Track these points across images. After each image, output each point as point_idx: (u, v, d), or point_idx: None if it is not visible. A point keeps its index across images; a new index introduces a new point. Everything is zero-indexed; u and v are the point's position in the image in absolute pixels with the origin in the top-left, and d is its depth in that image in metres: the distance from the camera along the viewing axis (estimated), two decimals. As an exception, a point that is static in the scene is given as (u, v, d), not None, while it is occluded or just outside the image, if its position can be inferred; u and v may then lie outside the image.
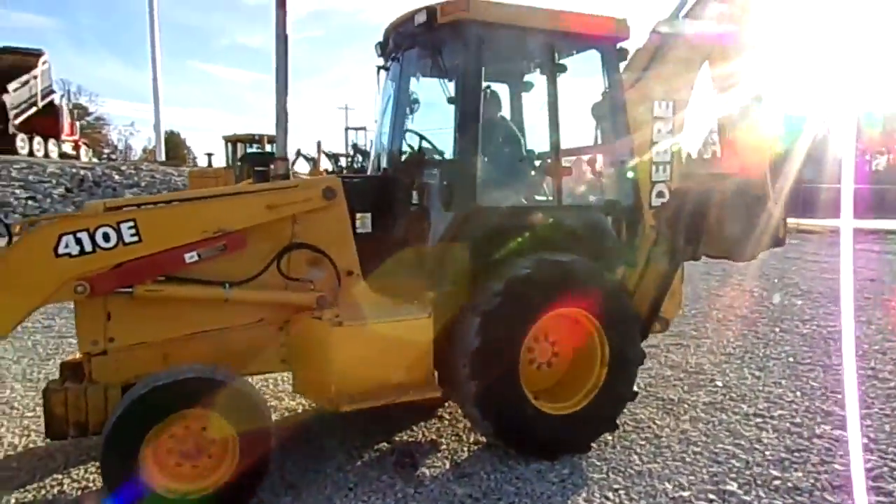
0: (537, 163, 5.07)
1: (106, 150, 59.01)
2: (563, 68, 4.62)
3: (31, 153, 27.82)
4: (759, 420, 5.27)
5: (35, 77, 29.38)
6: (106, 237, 3.61)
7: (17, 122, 28.04)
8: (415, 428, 4.93)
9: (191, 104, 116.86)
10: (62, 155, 30.49)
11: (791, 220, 10.79)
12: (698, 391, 6.00)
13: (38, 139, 28.82)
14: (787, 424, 5.17)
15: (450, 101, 4.54)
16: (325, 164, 33.81)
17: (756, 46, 5.90)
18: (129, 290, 3.70)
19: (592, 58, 4.78)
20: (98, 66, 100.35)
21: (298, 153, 27.48)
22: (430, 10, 4.36)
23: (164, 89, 38.78)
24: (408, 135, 4.94)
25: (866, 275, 13.54)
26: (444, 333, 4.24)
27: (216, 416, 3.50)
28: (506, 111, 5.38)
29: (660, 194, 5.60)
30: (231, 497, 3.57)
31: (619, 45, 4.85)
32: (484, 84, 4.49)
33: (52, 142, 30.09)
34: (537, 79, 5.14)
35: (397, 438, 4.74)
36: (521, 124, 5.44)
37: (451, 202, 4.30)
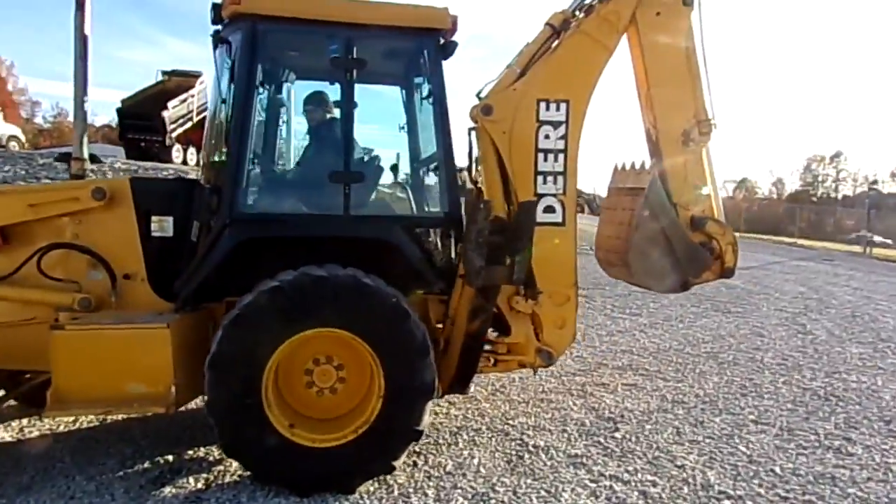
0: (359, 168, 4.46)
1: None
2: (363, 64, 4.06)
3: (184, 161, 30.84)
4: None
5: (192, 95, 32.72)
6: None
7: (174, 134, 31.37)
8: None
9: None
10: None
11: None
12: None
13: (192, 150, 31.90)
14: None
15: (223, 101, 4.13)
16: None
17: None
18: None
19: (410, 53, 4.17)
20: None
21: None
22: (215, 4, 4.02)
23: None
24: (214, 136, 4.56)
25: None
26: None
27: None
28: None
29: (549, 209, 4.82)
30: None
31: (442, 40, 4.18)
32: (292, 83, 4.09)
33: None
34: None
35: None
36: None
37: (217, 208, 3.92)
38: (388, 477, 4.08)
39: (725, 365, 7.19)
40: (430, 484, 4.08)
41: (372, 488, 3.97)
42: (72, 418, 4.86)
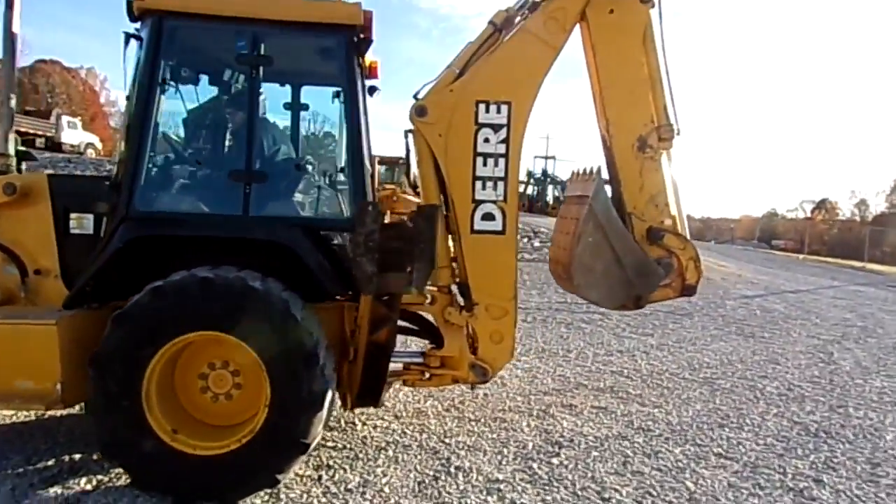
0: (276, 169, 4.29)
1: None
2: (269, 60, 3.89)
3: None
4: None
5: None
6: None
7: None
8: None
9: None
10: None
11: None
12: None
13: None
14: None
15: (127, 98, 4.03)
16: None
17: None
18: None
19: (320, 50, 3.98)
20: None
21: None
22: (128, 2, 3.94)
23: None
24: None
25: None
26: None
27: None
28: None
29: (488, 216, 4.53)
30: None
31: (356, 36, 3.97)
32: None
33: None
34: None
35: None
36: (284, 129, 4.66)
37: (113, 205, 3.83)
38: (282, 489, 3.86)
39: (718, 392, 6.58)
40: (324, 500, 3.83)
41: (259, 501, 3.76)
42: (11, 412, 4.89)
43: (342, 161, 4.09)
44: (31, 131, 29.74)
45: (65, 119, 30.23)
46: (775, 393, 6.67)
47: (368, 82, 5.08)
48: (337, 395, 4.35)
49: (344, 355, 4.19)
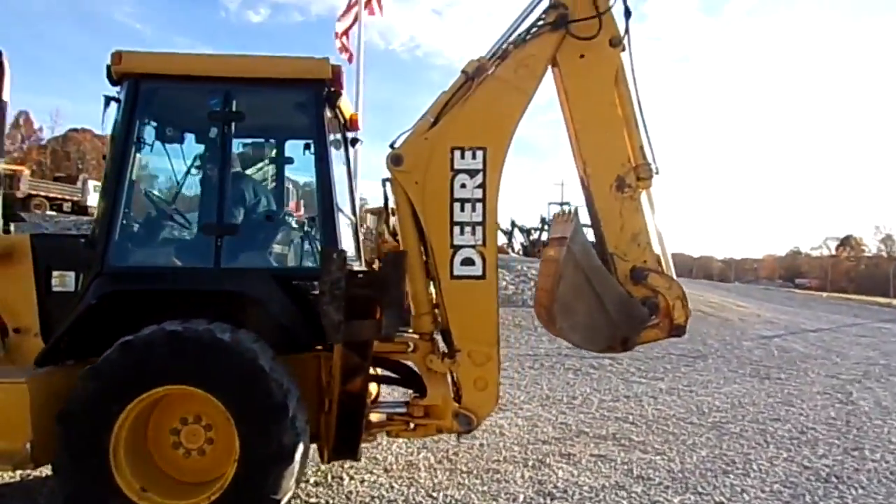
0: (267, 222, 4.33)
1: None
2: (241, 116, 3.97)
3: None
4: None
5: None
6: None
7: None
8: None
9: None
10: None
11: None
12: None
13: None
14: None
15: (103, 157, 4.10)
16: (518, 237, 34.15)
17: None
18: None
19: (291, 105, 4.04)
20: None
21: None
22: (108, 65, 4.08)
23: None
24: None
25: None
26: None
27: None
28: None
29: (467, 261, 4.49)
30: None
31: (325, 90, 4.03)
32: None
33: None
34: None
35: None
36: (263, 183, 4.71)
37: (88, 263, 3.87)
38: (256, 549, 3.72)
39: (726, 437, 6.31)
40: (298, 560, 3.69)
41: (230, 562, 3.62)
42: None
43: (313, 211, 4.10)
44: (60, 196, 30.74)
45: (91, 183, 31.20)
46: (787, 436, 6.38)
47: (350, 134, 5.17)
48: (315, 448, 4.25)
49: (321, 406, 4.11)
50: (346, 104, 4.87)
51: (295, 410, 3.60)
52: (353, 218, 5.21)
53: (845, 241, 70.60)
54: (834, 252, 70.09)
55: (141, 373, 3.52)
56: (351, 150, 5.21)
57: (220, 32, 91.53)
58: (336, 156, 5.17)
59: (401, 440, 5.65)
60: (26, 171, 29.30)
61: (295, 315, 3.84)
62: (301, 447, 3.64)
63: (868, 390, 8.79)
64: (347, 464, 5.19)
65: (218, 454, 3.77)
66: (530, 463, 5.44)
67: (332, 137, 4.88)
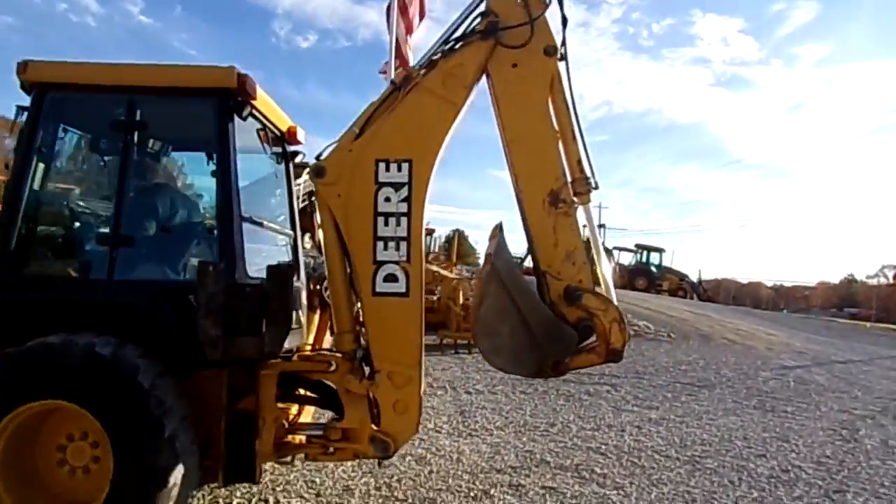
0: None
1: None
2: (144, 126, 3.86)
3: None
4: None
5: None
6: None
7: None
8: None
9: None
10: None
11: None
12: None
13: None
14: None
15: (6, 166, 4.03)
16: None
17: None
18: None
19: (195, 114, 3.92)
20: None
21: None
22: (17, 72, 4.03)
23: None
24: None
25: None
26: None
27: None
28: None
29: (390, 277, 4.26)
30: None
31: (231, 99, 3.89)
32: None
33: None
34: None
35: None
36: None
37: None
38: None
39: (698, 473, 5.82)
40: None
41: (103, 587, 3.43)
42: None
43: (213, 222, 3.95)
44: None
45: None
46: (765, 475, 5.85)
47: (290, 147, 5.03)
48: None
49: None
50: (280, 116, 4.74)
51: (174, 430, 3.40)
52: (291, 232, 5.05)
53: (903, 269, 66.97)
54: (892, 280, 66.59)
55: (14, 387, 3.40)
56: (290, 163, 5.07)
57: (270, 57, 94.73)
58: (278, 170, 5.09)
59: (349, 462, 5.40)
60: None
61: (183, 329, 3.66)
62: (180, 469, 3.43)
63: (880, 428, 8.08)
64: (279, 486, 4.98)
65: (103, 473, 3.60)
66: (473, 493, 5.11)
67: (271, 150, 4.80)
